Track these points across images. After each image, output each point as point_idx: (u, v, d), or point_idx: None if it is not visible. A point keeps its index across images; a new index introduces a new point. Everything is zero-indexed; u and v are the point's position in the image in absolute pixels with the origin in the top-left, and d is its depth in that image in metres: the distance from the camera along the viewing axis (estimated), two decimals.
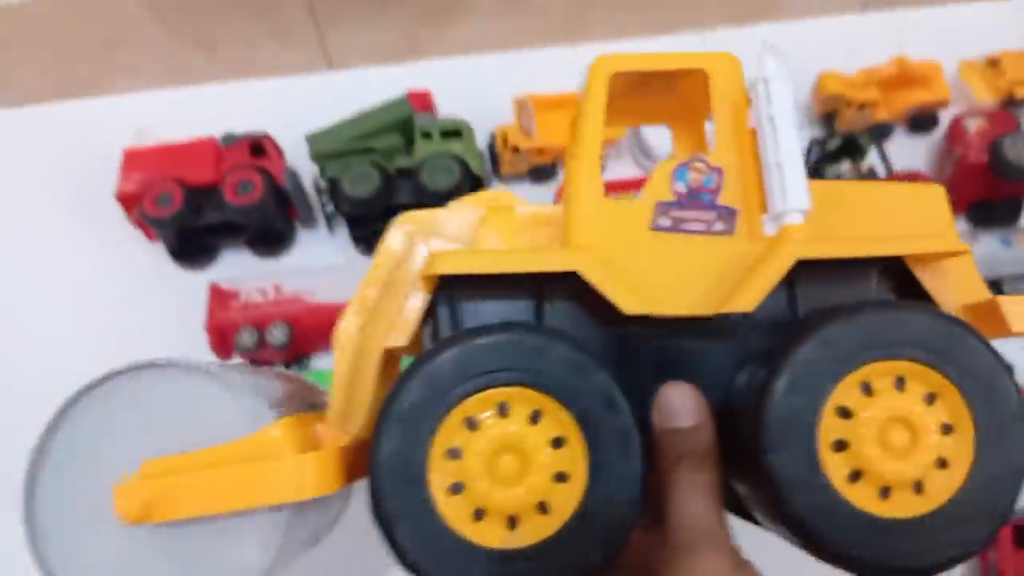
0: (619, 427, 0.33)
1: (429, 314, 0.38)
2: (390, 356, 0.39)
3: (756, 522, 0.38)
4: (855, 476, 0.33)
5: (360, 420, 0.38)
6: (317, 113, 0.81)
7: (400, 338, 0.38)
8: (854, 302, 0.35)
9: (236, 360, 0.42)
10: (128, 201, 0.79)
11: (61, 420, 0.36)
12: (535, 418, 0.34)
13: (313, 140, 0.80)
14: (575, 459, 0.33)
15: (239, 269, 0.82)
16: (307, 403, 0.41)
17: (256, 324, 0.72)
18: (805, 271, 0.36)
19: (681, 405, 0.36)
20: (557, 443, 0.34)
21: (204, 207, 0.80)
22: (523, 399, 0.34)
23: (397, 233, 0.38)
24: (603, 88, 0.38)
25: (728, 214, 0.37)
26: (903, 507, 0.33)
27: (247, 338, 0.71)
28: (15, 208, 0.86)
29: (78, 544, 0.35)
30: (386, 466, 0.33)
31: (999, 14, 0.91)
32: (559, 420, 0.34)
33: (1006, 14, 0.91)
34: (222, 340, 0.72)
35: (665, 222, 0.37)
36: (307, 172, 0.84)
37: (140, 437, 0.35)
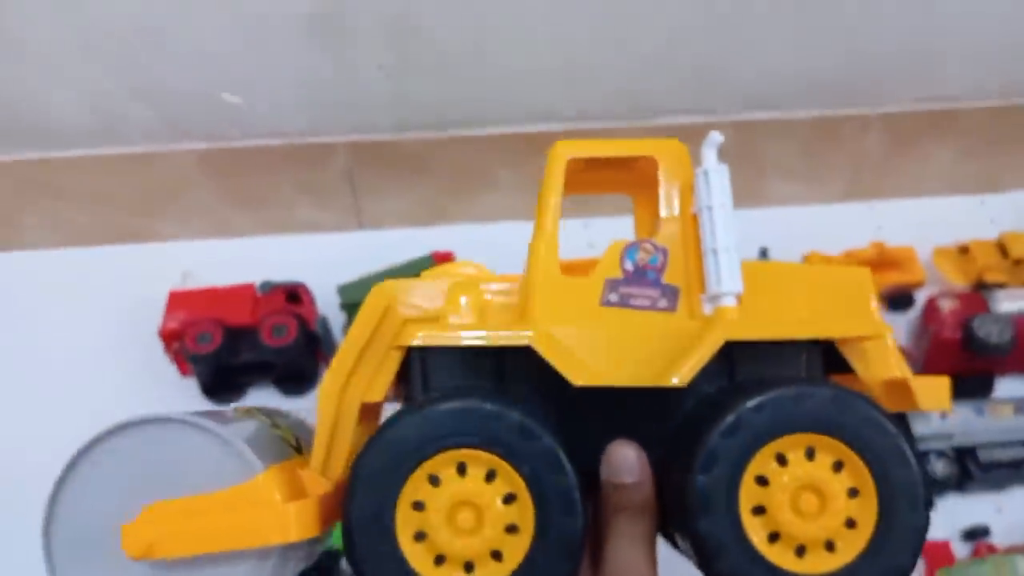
0: (562, 488, 0.38)
1: (404, 369, 0.43)
2: (368, 409, 0.43)
3: None
4: (774, 537, 0.37)
5: (340, 468, 0.43)
6: (348, 267, 0.89)
7: (376, 394, 0.42)
8: (767, 380, 0.39)
9: (230, 409, 0.47)
10: (170, 337, 0.87)
11: (71, 467, 0.41)
12: (490, 476, 0.38)
13: (344, 291, 0.89)
14: (524, 513, 0.38)
15: (264, 404, 0.87)
16: (289, 444, 0.46)
17: None
18: (741, 346, 0.40)
19: (624, 462, 0.40)
20: (509, 499, 0.38)
21: (240, 347, 0.88)
22: (479, 460, 0.38)
23: (375, 301, 0.43)
24: (561, 171, 0.43)
25: (671, 292, 0.41)
26: (817, 564, 0.37)
27: None
28: (60, 337, 0.93)
29: (88, 570, 0.40)
30: (357, 519, 0.38)
31: (969, 207, 1.00)
32: (510, 479, 0.38)
33: (975, 207, 1.00)
34: None
35: (614, 298, 0.41)
36: (336, 319, 0.92)
37: (143, 482, 0.40)
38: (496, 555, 0.38)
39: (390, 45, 0.84)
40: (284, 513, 0.39)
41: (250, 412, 0.48)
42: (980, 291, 0.89)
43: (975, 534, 0.80)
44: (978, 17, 0.87)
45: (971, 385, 0.85)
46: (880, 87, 0.93)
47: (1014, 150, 1.00)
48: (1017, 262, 0.89)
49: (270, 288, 0.90)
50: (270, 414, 0.50)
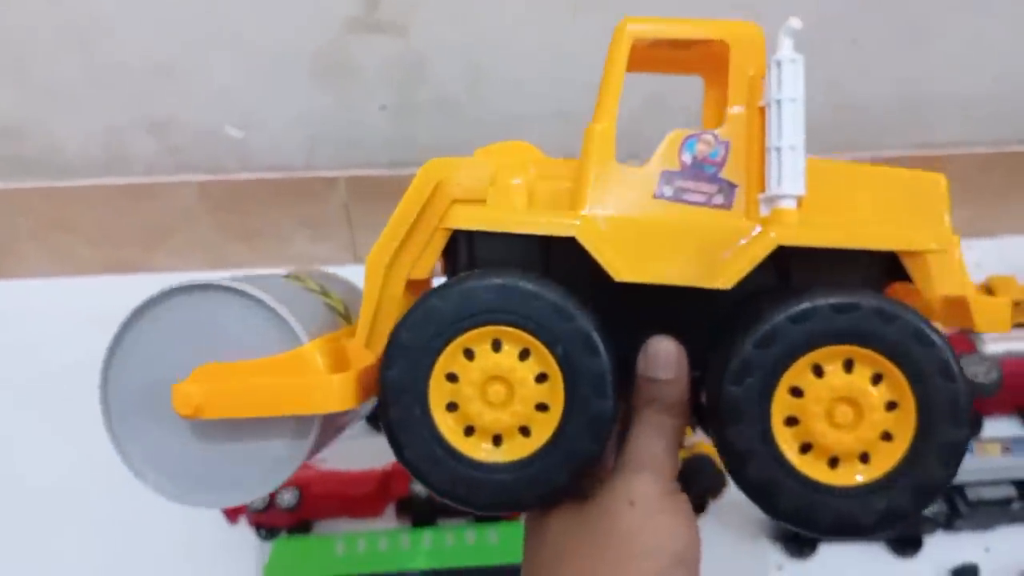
0: (595, 370, 0.38)
1: (451, 246, 0.43)
2: (414, 284, 0.43)
3: None
4: (806, 448, 0.37)
5: (383, 341, 0.43)
6: None
7: (422, 271, 0.43)
8: (808, 289, 0.37)
9: (282, 274, 0.48)
10: None
11: (128, 326, 0.42)
12: (524, 355, 0.39)
13: None
14: (555, 392, 0.38)
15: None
16: (338, 313, 0.47)
17: None
18: (796, 251, 0.38)
19: (662, 357, 0.40)
20: (541, 378, 0.39)
21: None
22: (514, 337, 0.39)
23: (424, 177, 0.42)
24: (625, 52, 0.40)
25: (728, 189, 0.40)
26: (850, 475, 0.37)
27: (257, 499, 0.76)
28: (57, 365, 0.88)
29: (142, 429, 0.43)
30: (393, 385, 0.39)
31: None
32: (544, 358, 0.38)
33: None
34: None
35: (668, 191, 0.40)
36: None
37: (191, 347, 0.41)
38: (524, 431, 0.39)
39: (392, 85, 0.87)
40: (327, 384, 0.40)
41: (301, 279, 0.49)
42: (967, 333, 0.85)
43: (964, 573, 0.79)
44: (968, 66, 0.90)
45: None
46: (870, 133, 0.93)
47: (1001, 197, 1.00)
48: None
49: None
50: (323, 280, 0.50)
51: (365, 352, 0.43)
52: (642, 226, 0.40)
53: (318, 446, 0.43)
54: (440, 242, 0.42)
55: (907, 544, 0.80)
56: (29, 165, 0.92)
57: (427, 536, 0.77)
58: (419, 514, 0.80)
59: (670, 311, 0.40)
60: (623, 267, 0.39)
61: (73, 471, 0.77)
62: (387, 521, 0.81)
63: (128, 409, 0.42)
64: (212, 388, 0.40)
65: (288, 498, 0.77)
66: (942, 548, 0.80)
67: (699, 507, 0.80)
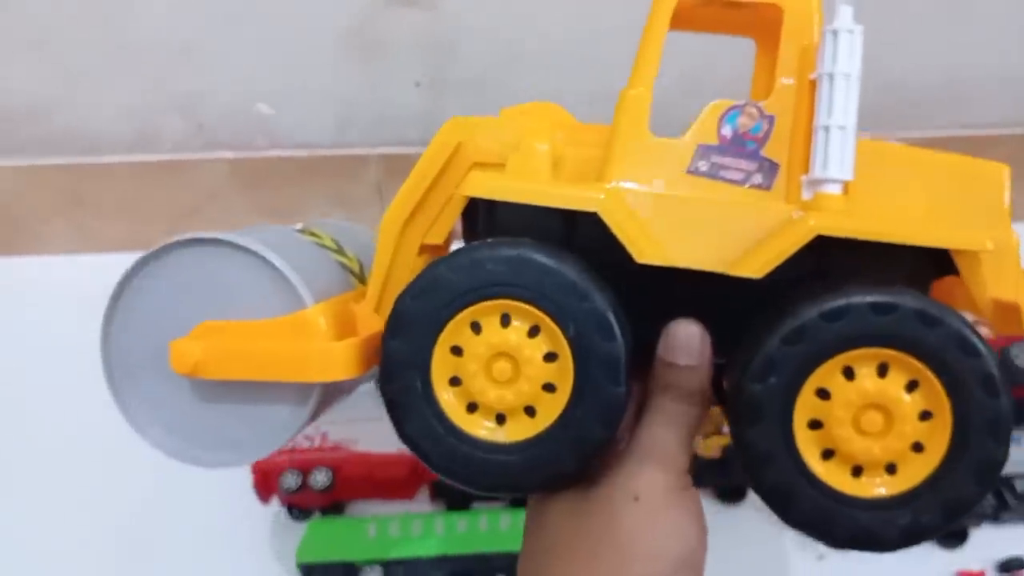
0: (607, 353, 0.36)
1: (471, 210, 0.40)
2: (430, 249, 0.41)
3: None
4: (828, 454, 0.35)
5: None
6: None
7: (438, 236, 0.40)
8: (843, 284, 0.34)
9: (295, 228, 0.46)
10: None
11: (128, 280, 0.41)
12: (533, 332, 0.36)
13: None
14: (564, 373, 0.36)
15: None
16: (352, 272, 0.45)
17: (300, 467, 0.76)
18: (837, 241, 0.35)
19: (685, 342, 0.37)
20: (550, 357, 0.36)
21: None
22: (524, 313, 0.36)
23: (445, 136, 0.39)
24: (668, 9, 0.37)
25: (769, 168, 0.36)
26: (873, 486, 0.34)
27: (291, 480, 0.76)
28: (82, 343, 0.90)
29: (144, 384, 0.41)
30: (394, 354, 0.37)
31: None
32: (554, 337, 0.36)
33: None
34: (266, 480, 0.77)
35: (703, 166, 0.37)
36: None
37: (193, 303, 0.40)
38: (530, 411, 0.37)
39: (425, 62, 0.85)
40: (329, 351, 0.38)
41: (316, 234, 0.46)
42: None
43: (1011, 566, 0.76)
44: (1014, 42, 0.86)
45: None
46: (910, 112, 0.89)
47: None
48: None
49: None
50: (340, 235, 0.48)
51: (374, 317, 0.41)
52: (671, 204, 0.37)
53: (319, 413, 0.41)
54: (456, 208, 0.39)
55: (953, 536, 0.77)
56: (55, 142, 0.91)
57: (461, 520, 0.75)
58: (453, 498, 0.79)
59: (698, 294, 0.37)
60: (647, 248, 0.36)
61: (100, 450, 0.76)
62: (420, 504, 0.80)
63: (130, 364, 0.41)
64: (210, 347, 0.39)
65: (321, 479, 0.76)
66: (989, 540, 0.78)
67: (739, 493, 0.79)
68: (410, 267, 0.41)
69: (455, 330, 0.37)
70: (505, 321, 0.36)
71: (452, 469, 0.37)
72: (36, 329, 0.90)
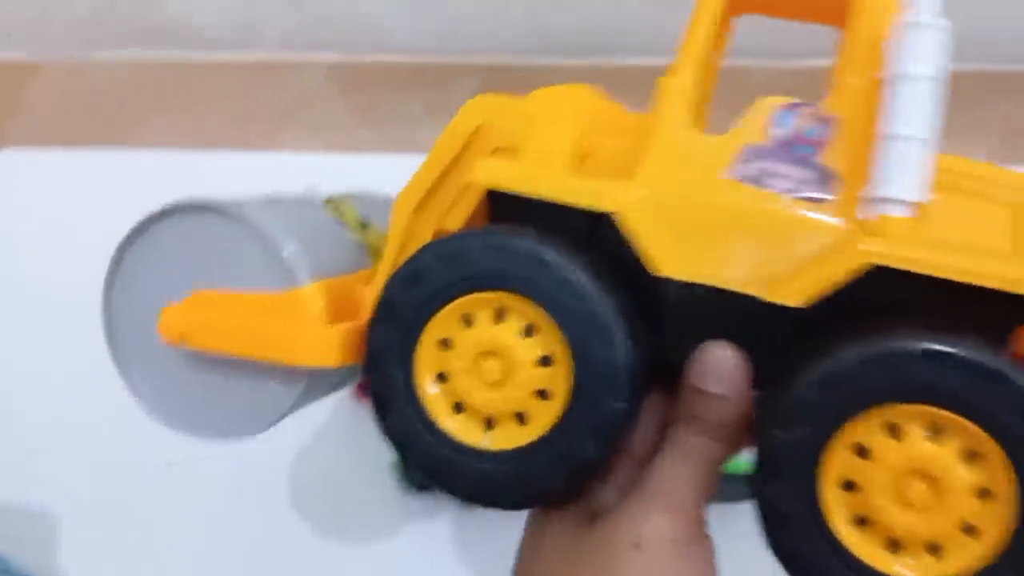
0: (606, 360, 0.31)
1: (488, 198, 0.36)
2: (443, 235, 0.37)
3: None
4: (861, 522, 0.29)
5: None
6: None
7: (453, 222, 0.37)
8: (895, 323, 0.29)
9: (322, 200, 0.43)
10: None
11: (128, 245, 0.39)
12: (528, 332, 0.33)
13: None
14: (560, 381, 0.32)
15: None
16: (371, 253, 0.42)
17: None
18: (900, 273, 0.29)
19: (716, 366, 0.33)
20: (545, 361, 0.32)
21: None
22: (521, 310, 0.32)
23: (466, 117, 0.36)
24: None
25: (825, 178, 0.31)
26: (914, 567, 0.29)
27: None
28: None
29: (143, 351, 0.39)
30: (377, 345, 0.34)
31: None
32: (551, 339, 0.32)
33: None
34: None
35: (748, 170, 0.31)
36: None
37: (195, 269, 0.38)
38: (520, 418, 0.33)
39: None
40: (319, 335, 0.35)
41: (340, 208, 0.44)
42: None
43: None
44: None
45: None
46: None
47: None
48: None
49: None
50: (370, 211, 0.45)
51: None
52: (705, 210, 0.32)
53: (312, 398, 0.39)
54: (475, 194, 0.35)
55: None
56: (160, 35, 0.91)
57: None
58: None
59: (740, 316, 0.32)
60: (668, 259, 0.32)
61: None
62: None
63: (131, 330, 0.40)
64: (198, 317, 0.37)
65: None
66: None
67: None
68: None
69: (445, 322, 0.33)
70: (500, 317, 0.33)
71: (431, 471, 0.34)
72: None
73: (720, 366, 0.33)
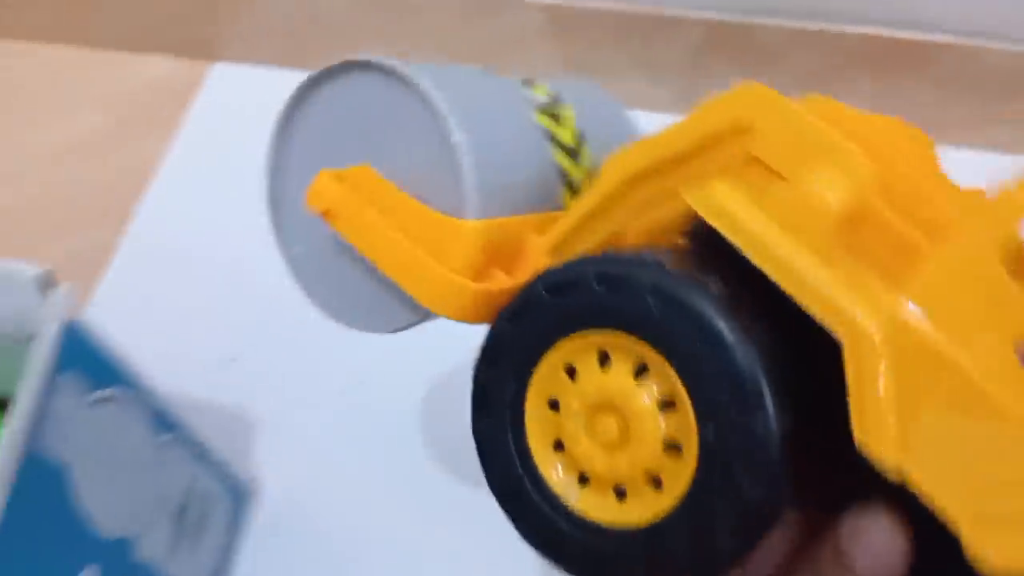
0: (750, 431, 0.24)
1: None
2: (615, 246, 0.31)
3: None
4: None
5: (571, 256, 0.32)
6: None
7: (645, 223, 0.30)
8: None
9: (541, 101, 0.37)
10: None
11: (299, 99, 0.35)
12: (641, 372, 0.26)
13: None
14: (687, 429, 0.25)
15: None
16: (564, 181, 0.36)
17: None
18: None
19: (866, 541, 0.25)
20: (667, 405, 0.26)
21: None
22: (625, 347, 0.26)
23: (727, 103, 0.28)
24: None
25: None
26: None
27: None
28: None
29: (302, 224, 0.36)
30: (491, 384, 0.29)
31: None
32: (665, 375, 0.25)
33: None
34: None
35: None
36: None
37: (366, 139, 0.33)
38: (656, 482, 0.26)
39: None
40: (456, 289, 0.30)
41: (557, 117, 0.37)
42: None
43: None
44: None
45: None
46: None
47: None
48: None
49: None
50: (587, 124, 0.38)
51: (545, 260, 0.32)
52: (960, 384, 0.23)
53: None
54: (679, 207, 0.27)
55: None
56: None
57: None
58: None
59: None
60: (881, 439, 0.23)
61: None
62: None
63: (293, 200, 0.36)
64: (349, 199, 0.32)
65: None
66: None
67: None
68: (620, 220, 0.31)
69: (550, 375, 0.27)
70: (604, 361, 0.27)
71: (538, 544, 0.28)
72: None
73: (870, 539, 0.25)
